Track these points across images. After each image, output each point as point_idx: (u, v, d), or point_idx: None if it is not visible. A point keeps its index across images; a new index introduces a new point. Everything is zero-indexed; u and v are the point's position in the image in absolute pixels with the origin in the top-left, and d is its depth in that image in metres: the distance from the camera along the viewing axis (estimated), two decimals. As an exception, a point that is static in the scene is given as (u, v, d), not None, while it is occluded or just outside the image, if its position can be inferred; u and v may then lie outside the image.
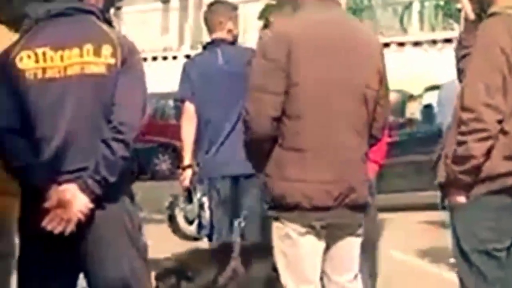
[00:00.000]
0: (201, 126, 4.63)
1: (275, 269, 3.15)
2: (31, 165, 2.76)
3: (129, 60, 2.82)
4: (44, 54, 2.78)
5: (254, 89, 3.02)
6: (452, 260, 3.67)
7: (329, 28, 3.07)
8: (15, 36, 2.89)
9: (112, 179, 2.75)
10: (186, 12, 25.47)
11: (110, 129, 2.77)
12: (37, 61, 2.78)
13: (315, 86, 3.00)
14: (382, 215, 5.88)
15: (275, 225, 3.09)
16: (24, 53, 2.78)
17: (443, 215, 4.78)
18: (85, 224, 2.75)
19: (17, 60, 2.78)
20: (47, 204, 2.71)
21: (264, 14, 13.85)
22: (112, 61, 2.80)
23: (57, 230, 2.71)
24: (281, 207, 3.03)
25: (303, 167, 3.00)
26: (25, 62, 2.78)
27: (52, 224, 2.71)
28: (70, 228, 2.72)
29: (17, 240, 2.96)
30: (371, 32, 4.00)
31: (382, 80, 3.15)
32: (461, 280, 3.09)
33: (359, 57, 3.08)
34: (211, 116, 4.58)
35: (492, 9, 2.98)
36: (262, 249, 3.66)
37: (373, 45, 3.21)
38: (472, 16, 3.14)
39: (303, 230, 3.02)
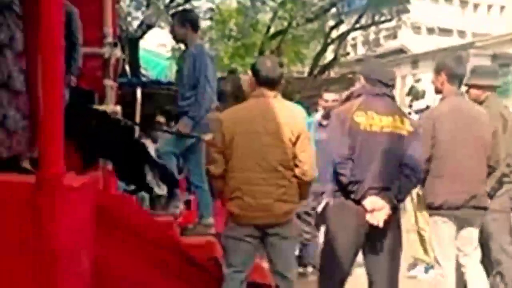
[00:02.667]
0: None
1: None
2: (358, 181, 4.43)
3: (417, 130, 4.60)
4: (371, 115, 4.50)
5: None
6: None
7: (461, 110, 5.09)
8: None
9: (404, 198, 4.68)
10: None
11: (405, 168, 4.47)
12: (367, 119, 4.48)
13: (450, 142, 4.99)
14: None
15: (431, 219, 5.16)
16: (359, 113, 4.50)
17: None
18: (386, 222, 4.45)
19: (354, 116, 4.48)
20: (368, 207, 4.42)
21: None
22: (410, 129, 4.54)
23: (375, 223, 4.43)
24: (433, 208, 5.04)
25: (444, 186, 4.97)
26: (360, 118, 4.48)
27: (371, 220, 4.43)
28: (381, 224, 4.42)
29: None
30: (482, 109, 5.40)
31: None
32: None
33: (478, 124, 5.10)
34: None
35: None
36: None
37: (483, 117, 5.17)
38: None
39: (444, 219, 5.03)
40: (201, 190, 5.98)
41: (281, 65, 4.84)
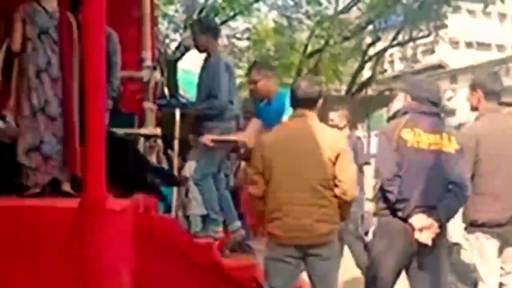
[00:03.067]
0: None
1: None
2: (405, 199, 4.42)
3: (463, 147, 4.60)
4: (419, 133, 4.52)
5: None
6: None
7: (502, 127, 5.01)
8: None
9: (452, 216, 4.59)
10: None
11: (452, 186, 4.45)
12: (414, 136, 4.50)
13: (493, 159, 4.89)
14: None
15: (473, 236, 4.97)
16: (406, 130, 4.51)
17: None
18: (434, 240, 4.43)
19: (401, 133, 4.50)
20: (416, 225, 4.38)
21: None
22: (457, 146, 4.55)
23: (423, 242, 4.40)
24: (476, 225, 4.93)
25: (487, 204, 4.84)
26: (407, 135, 4.50)
27: (420, 238, 4.39)
28: (429, 242, 4.40)
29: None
30: None
31: None
32: None
33: None
34: None
35: None
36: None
37: None
38: None
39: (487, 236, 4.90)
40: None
41: (319, 83, 4.85)
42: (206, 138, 5.95)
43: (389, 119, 4.89)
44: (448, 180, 4.48)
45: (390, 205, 4.49)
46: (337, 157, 4.50)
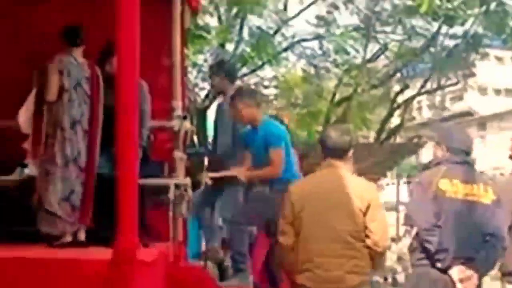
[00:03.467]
0: None
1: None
2: (444, 249, 4.39)
3: (500, 198, 4.57)
4: (456, 183, 4.49)
5: None
6: None
7: None
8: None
9: (491, 267, 4.63)
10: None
11: (490, 237, 4.43)
12: (452, 186, 4.48)
13: None
14: None
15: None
16: (444, 180, 4.49)
17: None
18: None
19: (439, 183, 4.48)
20: (455, 277, 4.35)
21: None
22: (493, 197, 4.52)
23: None
24: None
25: None
26: (445, 185, 4.49)
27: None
28: None
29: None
30: None
31: None
32: None
33: None
34: None
35: None
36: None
37: None
38: None
39: None
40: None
41: (349, 133, 4.86)
42: (205, 176, 6.01)
43: (423, 168, 4.87)
44: (485, 231, 4.45)
45: (429, 255, 4.44)
46: (367, 207, 4.48)
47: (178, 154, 6.87)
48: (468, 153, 4.67)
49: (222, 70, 6.32)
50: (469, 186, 4.51)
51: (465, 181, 4.51)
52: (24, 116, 5.69)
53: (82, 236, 5.40)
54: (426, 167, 4.77)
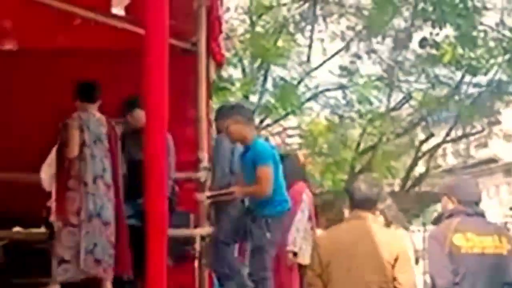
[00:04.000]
0: None
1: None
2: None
3: None
4: (471, 237, 4.41)
5: None
6: None
7: None
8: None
9: None
10: None
11: (506, 286, 4.39)
12: (467, 241, 4.39)
13: None
14: None
15: None
16: (458, 235, 4.40)
17: None
18: None
19: (453, 239, 4.39)
20: None
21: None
22: (509, 247, 4.44)
23: None
24: None
25: None
26: (460, 241, 4.39)
27: None
28: None
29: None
30: None
31: None
32: None
33: None
34: None
35: None
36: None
37: None
38: None
39: None
40: None
41: (377, 185, 4.84)
42: (200, 196, 6.03)
43: (435, 221, 4.82)
44: (503, 281, 4.41)
45: None
46: (396, 259, 4.45)
47: (204, 204, 6.89)
48: (477, 203, 4.63)
49: (223, 113, 6.39)
50: (483, 238, 4.45)
51: (479, 233, 4.46)
52: (46, 173, 5.77)
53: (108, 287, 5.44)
54: (438, 220, 4.73)
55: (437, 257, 4.46)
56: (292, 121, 17.63)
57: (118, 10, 5.85)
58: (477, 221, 4.53)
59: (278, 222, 6.09)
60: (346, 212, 5.12)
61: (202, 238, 6.78)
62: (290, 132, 18.22)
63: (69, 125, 5.65)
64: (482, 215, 4.62)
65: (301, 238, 7.02)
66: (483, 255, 4.41)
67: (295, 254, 6.91)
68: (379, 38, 16.24)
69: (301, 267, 7.07)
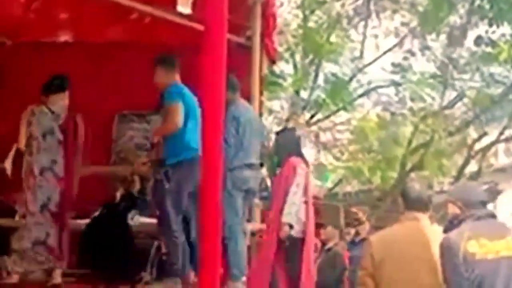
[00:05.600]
0: None
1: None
2: None
3: None
4: (484, 243, 4.27)
5: None
6: None
7: None
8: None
9: None
10: None
11: None
12: (480, 247, 4.26)
13: None
14: None
15: None
16: (471, 242, 4.25)
17: None
18: None
19: (467, 246, 4.25)
20: None
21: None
22: None
23: None
24: None
25: None
26: (473, 248, 4.25)
27: None
28: None
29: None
30: None
31: None
32: None
33: None
34: None
35: None
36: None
37: None
38: None
39: None
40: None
41: (430, 187, 4.80)
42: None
43: (446, 228, 4.68)
44: None
45: None
46: None
47: (256, 201, 6.91)
48: (484, 203, 4.53)
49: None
50: (496, 242, 4.35)
51: (492, 238, 4.35)
52: (9, 164, 6.05)
53: (58, 277, 5.68)
54: (449, 227, 4.60)
55: (451, 266, 4.34)
56: (342, 117, 17.55)
57: (184, 9, 5.80)
58: (488, 224, 4.44)
59: (182, 171, 5.87)
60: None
61: (252, 234, 6.85)
62: (340, 127, 18.12)
63: (21, 119, 5.89)
64: (492, 216, 4.54)
65: (296, 212, 6.95)
66: (497, 260, 4.31)
67: (291, 226, 6.85)
68: (433, 35, 16.04)
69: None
